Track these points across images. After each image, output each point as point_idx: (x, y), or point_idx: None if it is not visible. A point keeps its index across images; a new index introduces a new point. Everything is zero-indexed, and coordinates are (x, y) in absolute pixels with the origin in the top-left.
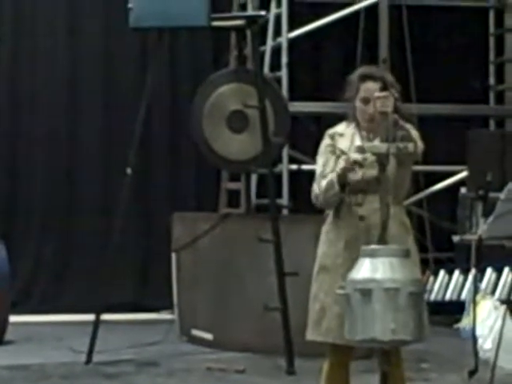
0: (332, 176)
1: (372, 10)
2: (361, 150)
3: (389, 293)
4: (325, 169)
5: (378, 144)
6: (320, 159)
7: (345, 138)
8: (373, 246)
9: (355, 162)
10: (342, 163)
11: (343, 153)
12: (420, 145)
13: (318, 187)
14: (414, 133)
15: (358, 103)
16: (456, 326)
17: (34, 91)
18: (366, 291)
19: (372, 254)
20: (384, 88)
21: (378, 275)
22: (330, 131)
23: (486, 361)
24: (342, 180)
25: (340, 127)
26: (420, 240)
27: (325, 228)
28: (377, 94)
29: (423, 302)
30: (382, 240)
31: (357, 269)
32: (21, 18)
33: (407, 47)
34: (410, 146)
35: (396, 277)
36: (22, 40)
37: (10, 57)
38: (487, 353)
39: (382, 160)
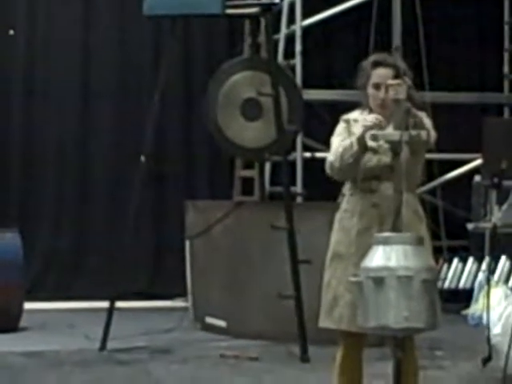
0: (351, 139)
1: None
2: (374, 137)
3: (402, 280)
4: (340, 145)
5: (391, 131)
6: (336, 138)
7: (359, 124)
8: (386, 234)
9: (379, 123)
10: (368, 120)
11: None
12: (433, 133)
13: (335, 155)
14: (427, 121)
15: (369, 89)
16: (464, 312)
17: (48, 82)
18: (379, 279)
19: (385, 242)
20: (397, 75)
21: (391, 263)
22: (345, 117)
23: (495, 345)
24: (363, 142)
25: (354, 114)
26: (434, 228)
27: (338, 215)
28: (390, 81)
29: (436, 289)
30: (396, 227)
31: (370, 256)
32: (35, 8)
33: (420, 35)
34: (423, 133)
35: (409, 264)
36: (37, 30)
37: (23, 46)
38: (496, 338)
39: (395, 147)
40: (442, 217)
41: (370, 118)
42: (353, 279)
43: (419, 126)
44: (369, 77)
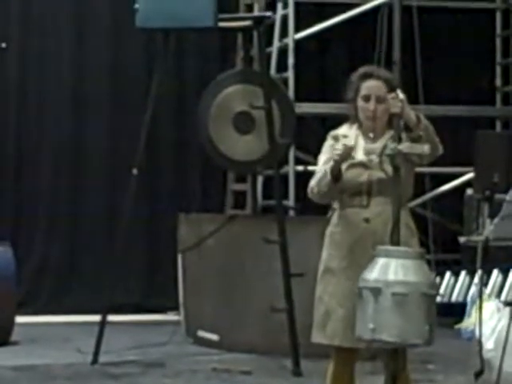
0: (326, 166)
1: (376, 11)
2: (367, 151)
3: (373, 292)
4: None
5: (374, 145)
6: (322, 158)
7: (348, 139)
8: (383, 247)
9: (351, 148)
10: (338, 149)
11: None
12: (440, 147)
13: (314, 180)
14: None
15: (359, 102)
16: (457, 326)
17: (41, 93)
18: (359, 290)
19: (380, 255)
20: (391, 89)
21: (370, 275)
22: (333, 133)
23: (488, 360)
24: (337, 169)
25: (342, 129)
26: (427, 242)
27: (329, 230)
28: (389, 95)
29: (424, 304)
30: (394, 241)
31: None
32: (28, 21)
33: (417, 48)
34: (404, 146)
35: (385, 278)
36: (30, 42)
37: (17, 59)
38: (489, 353)
39: (394, 161)
40: (435, 230)
41: (338, 146)
42: (358, 289)
43: (423, 139)
44: (358, 89)
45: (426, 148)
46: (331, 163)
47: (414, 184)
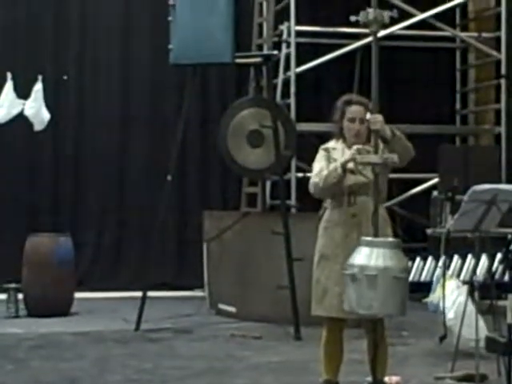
0: (335, 164)
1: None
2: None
3: (351, 275)
4: (322, 169)
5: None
6: (317, 164)
7: (337, 151)
8: (368, 238)
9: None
10: (352, 151)
11: None
12: (412, 151)
13: (319, 177)
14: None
15: (345, 123)
16: (424, 300)
17: (95, 115)
18: (346, 273)
19: (366, 244)
20: (367, 111)
21: (352, 261)
22: (324, 146)
23: (450, 328)
24: (345, 166)
25: (331, 143)
26: (400, 232)
27: (323, 224)
28: (368, 116)
29: (385, 284)
30: (375, 225)
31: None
32: (83, 57)
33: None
34: (372, 157)
35: (362, 263)
36: (84, 74)
37: (75, 87)
38: (450, 321)
39: (375, 169)
40: (409, 224)
41: (355, 148)
42: (346, 272)
43: (396, 150)
44: (343, 113)
45: (393, 158)
46: (339, 162)
47: (387, 186)
